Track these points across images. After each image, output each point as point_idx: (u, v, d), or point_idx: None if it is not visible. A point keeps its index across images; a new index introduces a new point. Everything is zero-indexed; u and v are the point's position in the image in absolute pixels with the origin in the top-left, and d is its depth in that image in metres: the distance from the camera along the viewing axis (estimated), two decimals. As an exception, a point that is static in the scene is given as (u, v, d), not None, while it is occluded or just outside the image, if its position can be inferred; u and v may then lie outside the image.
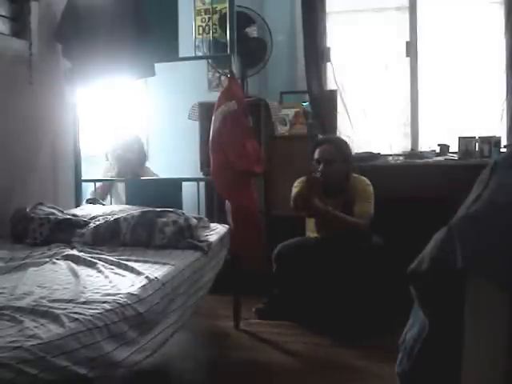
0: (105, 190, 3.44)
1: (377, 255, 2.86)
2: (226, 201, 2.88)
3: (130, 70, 2.98)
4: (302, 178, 3.17)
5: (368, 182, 3.14)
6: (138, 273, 1.96)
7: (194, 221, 2.57)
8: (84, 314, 1.48)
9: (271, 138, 3.62)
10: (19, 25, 2.86)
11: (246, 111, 2.82)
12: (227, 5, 3.06)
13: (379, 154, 3.84)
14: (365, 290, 2.85)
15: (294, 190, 3.13)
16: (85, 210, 2.89)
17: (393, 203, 3.15)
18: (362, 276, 2.83)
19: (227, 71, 2.97)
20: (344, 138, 3.90)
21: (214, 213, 3.05)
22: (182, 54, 3.06)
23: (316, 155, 3.14)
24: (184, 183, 3.22)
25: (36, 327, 1.37)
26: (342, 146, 3.19)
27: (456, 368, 1.01)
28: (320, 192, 3.02)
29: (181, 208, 2.87)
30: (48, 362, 1.27)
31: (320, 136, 3.46)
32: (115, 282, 1.85)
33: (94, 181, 3.28)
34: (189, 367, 2.52)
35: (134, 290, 1.76)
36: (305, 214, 3.18)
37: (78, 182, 3.27)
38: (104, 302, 1.60)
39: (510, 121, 3.59)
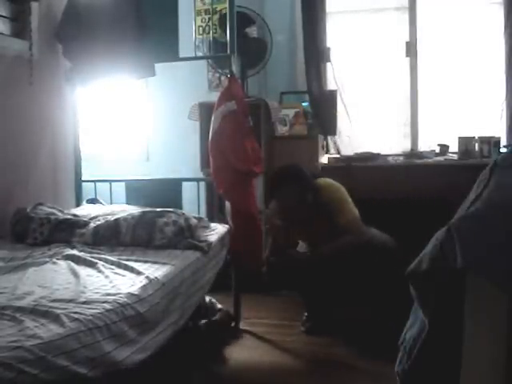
0: None
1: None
2: (226, 201, 2.88)
3: (130, 69, 2.98)
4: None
5: (336, 185, 2.89)
6: (138, 273, 1.96)
7: (194, 221, 2.57)
8: (84, 314, 1.49)
9: (271, 137, 3.61)
10: (20, 25, 2.86)
11: (246, 111, 2.82)
12: (227, 5, 3.07)
13: (379, 154, 3.84)
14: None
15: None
16: (85, 210, 2.90)
17: (392, 203, 3.15)
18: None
19: (227, 71, 2.97)
20: (345, 138, 3.91)
21: (214, 213, 3.05)
22: (182, 54, 3.06)
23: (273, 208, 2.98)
24: (184, 183, 3.22)
25: (36, 327, 1.37)
26: (289, 194, 2.83)
27: (455, 367, 1.02)
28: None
29: (181, 208, 2.87)
30: (48, 362, 1.27)
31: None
32: (115, 281, 1.85)
33: (94, 181, 3.28)
34: (189, 367, 2.52)
35: (134, 289, 1.76)
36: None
37: (78, 182, 3.27)
38: (104, 302, 1.60)
39: (510, 121, 3.58)
